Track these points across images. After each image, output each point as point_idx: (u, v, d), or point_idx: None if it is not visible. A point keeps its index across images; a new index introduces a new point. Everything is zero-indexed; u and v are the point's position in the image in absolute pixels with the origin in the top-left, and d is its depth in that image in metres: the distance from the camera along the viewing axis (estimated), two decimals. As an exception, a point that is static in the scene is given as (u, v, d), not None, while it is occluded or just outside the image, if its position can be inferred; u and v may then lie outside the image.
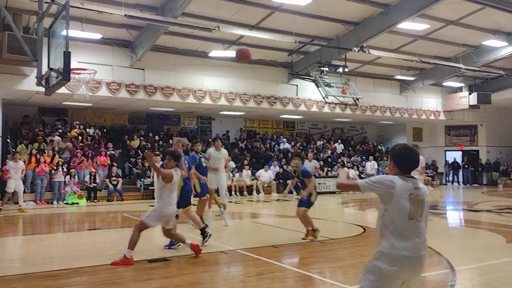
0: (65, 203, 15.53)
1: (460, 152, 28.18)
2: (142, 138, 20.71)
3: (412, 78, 23.05)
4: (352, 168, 22.78)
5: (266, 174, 19.83)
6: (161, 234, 6.98)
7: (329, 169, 22.72)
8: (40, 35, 8.37)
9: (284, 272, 6.16)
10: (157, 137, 20.95)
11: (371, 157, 23.36)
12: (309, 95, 20.55)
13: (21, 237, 9.76)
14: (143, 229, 6.47)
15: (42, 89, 8.78)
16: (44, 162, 15.69)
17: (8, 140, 17.10)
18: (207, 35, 15.40)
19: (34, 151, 15.95)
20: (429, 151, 28.55)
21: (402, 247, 3.04)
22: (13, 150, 16.72)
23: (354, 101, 20.26)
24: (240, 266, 6.67)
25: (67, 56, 7.20)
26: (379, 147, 27.74)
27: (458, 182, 27.40)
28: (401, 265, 3.04)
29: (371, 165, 22.23)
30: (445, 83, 23.85)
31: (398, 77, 22.65)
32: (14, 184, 13.27)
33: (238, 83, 18.94)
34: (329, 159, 23.86)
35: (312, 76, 18.98)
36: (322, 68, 18.17)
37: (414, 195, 3.10)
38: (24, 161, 15.97)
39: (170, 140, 21.25)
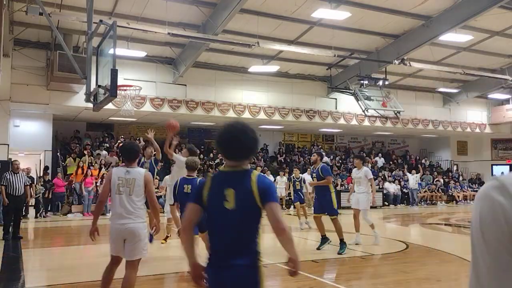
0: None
1: (508, 166, 27.04)
2: (183, 152, 21.10)
3: (455, 91, 22.47)
4: (394, 182, 22.32)
5: (309, 178, 18.94)
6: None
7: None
8: (89, 54, 8.73)
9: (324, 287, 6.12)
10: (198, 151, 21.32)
11: (413, 171, 22.83)
12: (349, 108, 20.41)
13: (68, 248, 10.13)
14: None
15: (90, 105, 9.12)
16: (92, 175, 16.28)
17: (58, 154, 17.90)
18: (247, 51, 15.66)
19: (81, 164, 16.60)
20: (475, 165, 27.60)
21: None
22: (63, 163, 17.49)
23: (395, 114, 19.94)
24: (280, 280, 6.67)
25: (114, 74, 7.44)
26: (423, 161, 27.06)
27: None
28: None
29: (413, 178, 21.64)
30: (491, 95, 23.08)
31: (441, 89, 22.15)
32: None
33: (277, 97, 19.09)
34: (370, 173, 23.44)
35: (351, 90, 18.86)
36: (362, 82, 18.02)
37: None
38: (71, 174, 16.69)
39: (211, 154, 21.60)
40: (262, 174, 2.74)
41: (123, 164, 4.97)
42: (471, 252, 0.96)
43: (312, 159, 9.17)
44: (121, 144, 4.68)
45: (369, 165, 24.25)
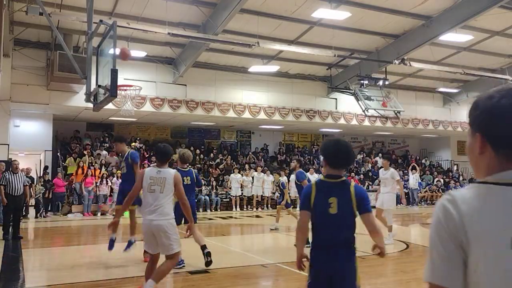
0: (112, 215, 15.92)
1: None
2: (183, 152, 21.08)
3: (456, 91, 22.46)
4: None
5: (312, 178, 18.78)
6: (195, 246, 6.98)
7: (370, 183, 22.37)
8: (89, 54, 8.72)
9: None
10: (198, 151, 21.32)
11: (414, 170, 22.82)
12: (349, 108, 20.40)
13: (68, 248, 10.14)
14: None
15: (90, 105, 9.11)
16: (92, 175, 16.28)
17: (58, 154, 17.90)
18: (247, 51, 15.66)
19: (81, 164, 16.60)
20: (475, 165, 27.56)
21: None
22: (63, 163, 17.49)
23: (395, 114, 19.94)
24: (280, 280, 6.68)
25: (114, 74, 7.42)
26: (423, 161, 27.05)
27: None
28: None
29: (414, 178, 21.62)
30: (491, 95, 23.04)
31: (441, 89, 22.14)
32: None
33: (277, 97, 19.09)
34: (370, 173, 23.50)
35: (351, 90, 18.85)
36: (362, 82, 18.01)
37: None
38: (72, 174, 16.68)
39: (211, 154, 21.60)
40: (358, 184, 3.56)
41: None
42: (428, 243, 1.30)
43: (292, 166, 9.44)
44: (156, 146, 5.25)
45: (369, 165, 24.32)
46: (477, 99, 1.40)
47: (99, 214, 16.04)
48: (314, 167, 20.63)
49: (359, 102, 18.79)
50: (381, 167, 9.93)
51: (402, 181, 21.46)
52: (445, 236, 1.26)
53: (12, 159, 11.89)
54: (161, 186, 4.87)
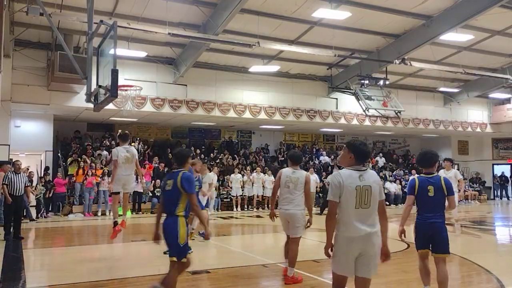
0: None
1: (509, 166, 27.03)
2: (184, 152, 21.06)
3: (456, 90, 22.45)
4: (395, 182, 22.30)
5: (313, 177, 18.69)
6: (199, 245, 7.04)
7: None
8: (89, 54, 8.71)
9: (325, 287, 6.12)
10: (198, 151, 21.32)
11: (414, 171, 22.81)
12: (349, 108, 20.40)
13: (69, 248, 10.14)
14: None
15: (91, 105, 9.09)
16: (92, 175, 16.26)
17: (59, 154, 17.91)
18: (247, 51, 15.66)
19: (82, 165, 16.59)
20: (475, 165, 27.58)
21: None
22: (64, 164, 17.50)
23: (396, 114, 19.91)
24: (281, 280, 6.68)
25: (114, 74, 7.41)
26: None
27: (507, 197, 26.23)
28: None
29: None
30: (492, 95, 23.06)
31: (442, 89, 22.13)
32: None
33: (277, 97, 19.09)
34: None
35: (352, 89, 18.83)
36: (362, 81, 17.99)
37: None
38: (72, 174, 16.67)
39: (212, 154, 21.59)
40: (446, 177, 5.34)
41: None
42: (329, 188, 3.95)
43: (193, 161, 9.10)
44: (291, 151, 6.65)
45: (370, 165, 24.30)
46: (350, 142, 3.98)
47: (99, 214, 16.05)
48: (315, 167, 20.66)
49: (360, 102, 18.76)
50: (442, 168, 10.58)
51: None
52: (336, 186, 3.80)
53: (14, 160, 11.90)
54: (295, 184, 6.15)
